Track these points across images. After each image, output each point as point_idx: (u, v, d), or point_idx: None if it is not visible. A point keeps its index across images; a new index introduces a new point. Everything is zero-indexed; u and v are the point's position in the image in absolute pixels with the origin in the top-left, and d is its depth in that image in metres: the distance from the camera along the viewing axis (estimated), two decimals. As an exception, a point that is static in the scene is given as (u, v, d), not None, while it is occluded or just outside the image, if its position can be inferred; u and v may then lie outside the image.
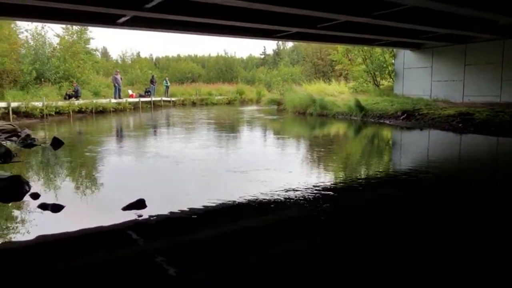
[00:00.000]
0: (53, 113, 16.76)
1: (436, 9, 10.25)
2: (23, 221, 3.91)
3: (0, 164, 6.66)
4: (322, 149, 8.91)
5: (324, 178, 5.91)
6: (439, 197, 4.95)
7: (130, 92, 25.13)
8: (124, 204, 4.21)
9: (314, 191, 4.92)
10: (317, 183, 5.36)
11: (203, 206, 4.33)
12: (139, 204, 4.23)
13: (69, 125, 14.84)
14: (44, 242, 3.41)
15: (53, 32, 26.12)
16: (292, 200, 4.55)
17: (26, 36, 22.21)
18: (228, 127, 13.63)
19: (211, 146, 9.05)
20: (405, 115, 14.02)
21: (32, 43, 22.12)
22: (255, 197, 4.64)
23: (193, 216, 4.06)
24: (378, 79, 22.08)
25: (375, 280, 2.76)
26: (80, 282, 2.73)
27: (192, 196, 4.84)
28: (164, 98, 26.97)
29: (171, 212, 4.18)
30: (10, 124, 12.09)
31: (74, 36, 23.73)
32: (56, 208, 4.17)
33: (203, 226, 3.85)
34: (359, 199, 4.87)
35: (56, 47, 23.08)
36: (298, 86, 23.47)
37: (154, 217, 3.99)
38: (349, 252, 3.23)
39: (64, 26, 23.33)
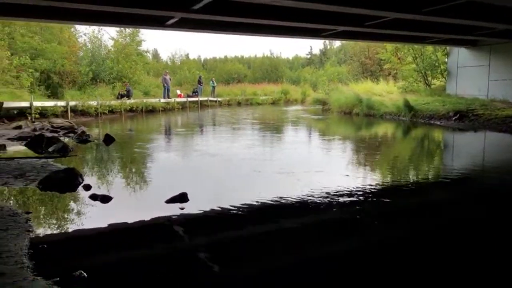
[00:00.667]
0: (107, 111, 17.69)
1: (494, 3, 9.66)
2: (75, 211, 4.18)
3: (58, 158, 7.14)
4: (371, 151, 8.69)
5: (373, 180, 5.75)
6: (493, 204, 4.67)
7: (178, 92, 25.92)
8: (168, 197, 4.37)
9: (363, 194, 4.83)
10: (365, 186, 5.26)
11: (245, 203, 4.39)
12: (182, 197, 4.37)
13: (120, 123, 15.59)
14: (92, 231, 3.62)
15: (108, 35, 27.62)
16: (338, 202, 4.50)
17: (84, 39, 23.64)
18: (273, 127, 13.64)
19: (257, 145, 9.13)
20: (458, 115, 13.33)
21: (89, 46, 23.49)
22: (299, 198, 4.63)
23: (233, 213, 4.13)
24: (429, 78, 21.15)
25: None
26: (122, 274, 2.88)
27: (235, 193, 4.92)
28: (210, 98, 27.55)
29: (211, 207, 4.28)
30: (68, 122, 12.95)
31: (127, 39, 24.88)
32: (105, 199, 4.41)
33: (243, 223, 3.91)
34: (410, 203, 4.71)
35: (111, 49, 24.33)
36: (344, 86, 23.03)
37: (194, 211, 4.11)
38: (386, 259, 3.14)
39: (118, 29, 24.59)
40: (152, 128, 14.40)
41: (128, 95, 20.33)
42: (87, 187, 4.94)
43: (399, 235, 3.60)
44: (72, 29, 22.66)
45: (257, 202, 4.43)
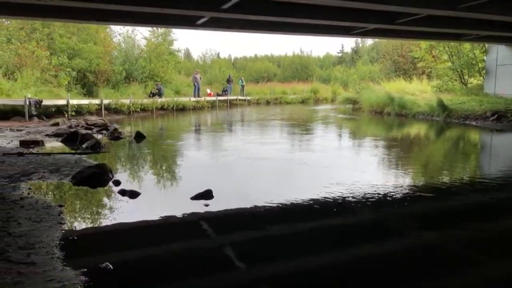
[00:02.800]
0: (139, 109, 18.15)
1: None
2: (104, 205, 4.33)
3: (91, 154, 7.40)
4: (404, 153, 8.48)
5: (406, 183, 5.63)
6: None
7: (208, 91, 26.24)
8: (194, 194, 4.44)
9: (392, 196, 4.74)
10: (395, 189, 5.15)
11: (270, 202, 4.39)
12: (207, 194, 4.43)
13: (152, 121, 15.95)
14: (120, 225, 3.74)
15: (142, 35, 28.25)
16: (370, 203, 4.43)
17: (119, 39, 24.33)
18: (304, 127, 13.46)
19: (285, 145, 9.12)
20: (496, 115, 12.77)
21: (123, 46, 24.16)
22: (326, 198, 4.59)
23: (258, 211, 4.15)
24: (466, 77, 20.39)
25: None
26: (146, 267, 2.96)
27: (260, 193, 4.92)
28: (239, 97, 27.70)
29: (235, 205, 4.31)
30: (102, 119, 13.39)
31: (159, 38, 25.40)
32: (133, 194, 4.54)
33: (264, 221, 3.92)
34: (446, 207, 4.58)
35: (143, 48, 24.93)
36: (376, 85, 22.56)
37: (218, 208, 4.16)
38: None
39: (151, 29, 25.13)
40: (182, 126, 14.65)
41: (159, 93, 20.77)
42: (117, 183, 5.10)
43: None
44: (108, 30, 23.34)
45: (280, 201, 4.43)
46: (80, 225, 3.70)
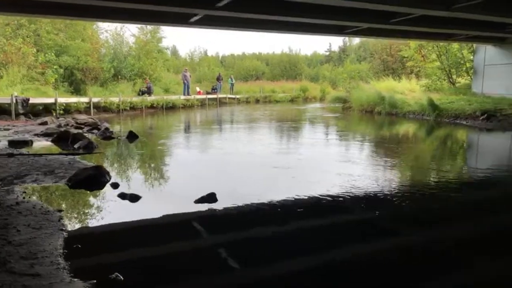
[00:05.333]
0: (128, 108, 17.86)
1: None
2: (105, 209, 4.16)
3: (84, 154, 7.20)
4: (398, 153, 8.50)
5: (400, 184, 5.62)
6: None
7: (197, 89, 25.98)
8: (196, 197, 4.32)
9: (381, 198, 4.70)
10: (386, 190, 5.12)
11: (272, 202, 4.32)
12: (211, 198, 4.32)
13: (142, 120, 15.71)
14: (124, 231, 3.61)
15: (130, 32, 27.81)
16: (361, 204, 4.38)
17: (106, 36, 23.89)
18: (297, 127, 13.38)
19: (281, 145, 9.05)
20: (486, 115, 12.92)
21: (111, 43, 23.74)
22: (318, 199, 4.53)
23: (259, 213, 4.07)
24: (454, 76, 20.61)
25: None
26: (158, 277, 2.84)
27: (261, 194, 4.83)
28: (229, 96, 27.54)
29: (240, 208, 4.22)
30: (92, 118, 13.11)
31: (148, 36, 25.04)
32: (133, 198, 4.40)
33: (270, 222, 3.84)
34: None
35: (132, 46, 24.55)
36: (366, 84, 22.64)
37: (223, 211, 4.06)
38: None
39: (139, 26, 24.71)
40: (173, 125, 14.45)
41: (149, 92, 20.47)
42: (115, 185, 4.94)
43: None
44: (94, 26, 22.91)
45: (277, 201, 4.36)
46: (82, 231, 3.55)
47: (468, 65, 19.75)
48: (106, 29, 26.28)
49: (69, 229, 3.48)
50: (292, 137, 10.46)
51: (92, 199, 4.56)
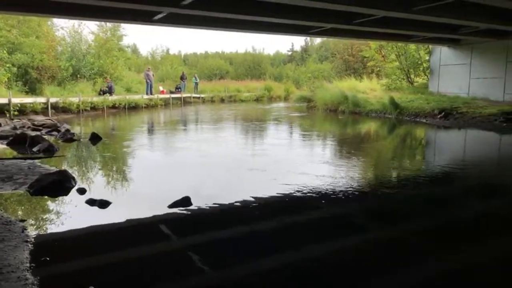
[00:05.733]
0: (88, 108, 17.17)
1: (480, 2, 9.79)
2: (73, 218, 3.90)
3: (44, 158, 6.82)
4: (365, 151, 8.69)
5: (371, 181, 5.72)
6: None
7: (161, 88, 25.43)
8: (170, 201, 4.19)
9: (354, 192, 4.77)
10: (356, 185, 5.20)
11: (245, 203, 4.27)
12: (185, 201, 4.20)
13: (104, 121, 15.15)
14: (95, 241, 3.42)
15: (89, 29, 26.63)
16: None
17: (63, 34, 22.86)
18: (263, 126, 13.39)
19: (247, 146, 9.00)
20: (443, 113, 13.52)
21: (69, 40, 22.74)
22: (293, 198, 4.53)
23: (235, 215, 4.00)
24: (412, 76, 21.43)
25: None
26: None
27: (235, 194, 4.77)
28: (193, 95, 27.19)
29: (216, 211, 4.13)
30: (50, 119, 12.48)
31: (108, 33, 24.21)
32: (103, 204, 4.19)
33: (251, 222, 3.79)
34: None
35: (91, 44, 23.64)
36: (329, 83, 23.08)
37: (199, 216, 3.96)
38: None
39: (98, 23, 23.90)
40: (137, 126, 14.04)
41: (110, 91, 19.78)
42: (82, 191, 4.70)
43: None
44: (49, 23, 21.82)
45: (257, 202, 4.32)
46: (49, 242, 3.33)
47: (425, 65, 20.60)
48: (63, 26, 25.22)
49: (35, 241, 3.24)
50: (261, 137, 10.44)
51: (57, 207, 4.29)
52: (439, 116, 13.53)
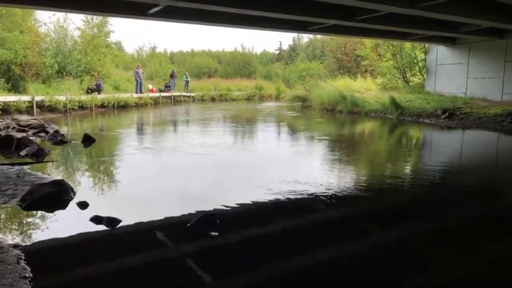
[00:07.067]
0: (76, 107, 16.32)
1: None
2: (78, 241, 3.25)
3: (33, 164, 6.13)
4: (380, 153, 8.22)
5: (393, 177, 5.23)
6: None
7: (150, 86, 24.59)
8: (190, 219, 3.58)
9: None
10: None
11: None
12: (209, 220, 3.55)
13: (93, 120, 14.35)
14: (111, 276, 2.81)
15: (74, 25, 25.53)
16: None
17: (48, 29, 21.80)
18: (263, 128, 12.67)
19: (244, 149, 8.44)
20: (447, 114, 13.20)
21: (54, 36, 21.72)
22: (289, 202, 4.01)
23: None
24: (408, 75, 21.16)
25: None
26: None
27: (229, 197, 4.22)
28: (184, 94, 26.46)
29: (244, 233, 3.56)
30: (36, 119, 11.67)
31: (95, 29, 23.26)
32: (112, 222, 3.57)
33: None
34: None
35: (77, 40, 22.66)
36: (323, 82, 22.66)
37: (231, 240, 3.35)
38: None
39: (85, 19, 22.93)
40: (130, 127, 13.23)
41: (98, 89, 18.90)
42: (83, 205, 4.07)
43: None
44: (32, 18, 20.77)
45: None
46: (54, 279, 2.67)
47: (420, 64, 20.36)
48: (46, 21, 23.96)
49: (35, 275, 2.60)
50: (263, 141, 9.80)
51: (57, 227, 3.62)
52: (443, 117, 13.20)
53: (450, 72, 17.83)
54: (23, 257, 2.84)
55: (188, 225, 3.50)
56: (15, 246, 3.03)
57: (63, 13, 21.57)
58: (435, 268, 2.81)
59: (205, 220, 3.52)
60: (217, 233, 3.38)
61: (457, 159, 7.55)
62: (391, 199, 4.62)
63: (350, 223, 3.86)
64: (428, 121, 13.34)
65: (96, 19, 23.20)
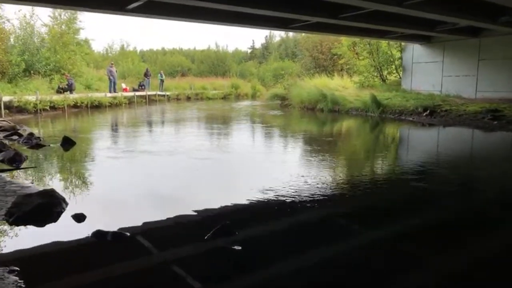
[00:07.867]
0: (48, 107, 15.44)
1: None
2: (83, 262, 2.87)
3: (11, 171, 5.59)
4: (369, 152, 8.11)
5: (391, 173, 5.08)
6: None
7: (123, 85, 23.76)
8: (206, 230, 3.25)
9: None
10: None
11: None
12: (225, 230, 3.25)
13: (66, 121, 13.59)
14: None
15: (41, 21, 24.23)
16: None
17: (13, 25, 20.55)
18: (245, 128, 12.35)
19: (239, 151, 8.15)
20: (428, 111, 13.36)
21: (20, 33, 20.52)
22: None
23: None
24: (385, 73, 21.41)
25: None
26: None
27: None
28: (159, 93, 25.76)
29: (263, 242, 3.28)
30: (6, 121, 10.90)
31: (63, 26, 22.19)
32: (116, 237, 3.19)
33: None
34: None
35: (45, 37, 21.53)
36: (301, 81, 22.60)
37: (253, 251, 3.08)
38: None
39: (52, 15, 21.84)
40: (107, 128, 12.56)
41: (70, 89, 18.02)
42: (79, 218, 3.65)
43: None
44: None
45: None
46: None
47: (397, 62, 20.64)
48: (8, 18, 22.58)
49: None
50: (246, 142, 9.48)
51: (54, 245, 3.17)
52: (424, 114, 13.35)
53: (426, 70, 18.15)
54: (23, 284, 2.44)
55: (205, 237, 3.17)
56: (11, 271, 2.61)
57: (29, 9, 20.47)
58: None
59: (222, 231, 3.21)
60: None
61: (452, 155, 7.56)
62: (383, 197, 4.47)
63: (330, 222, 3.73)
64: (410, 118, 13.46)
65: (65, 15, 22.19)
